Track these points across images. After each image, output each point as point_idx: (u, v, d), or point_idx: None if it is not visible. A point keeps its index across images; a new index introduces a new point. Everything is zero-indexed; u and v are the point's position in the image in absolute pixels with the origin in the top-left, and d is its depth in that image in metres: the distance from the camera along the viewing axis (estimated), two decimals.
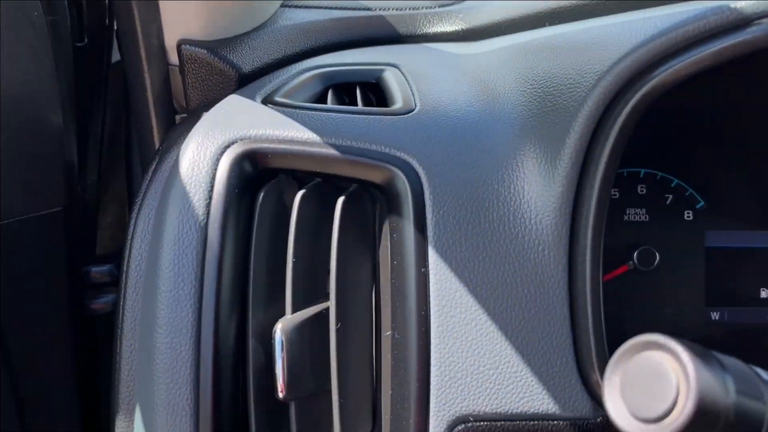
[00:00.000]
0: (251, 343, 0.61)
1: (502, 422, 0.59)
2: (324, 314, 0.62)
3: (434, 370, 0.60)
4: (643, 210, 0.87)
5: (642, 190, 0.87)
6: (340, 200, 0.64)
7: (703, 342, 0.47)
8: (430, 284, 0.61)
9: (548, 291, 0.61)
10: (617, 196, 0.87)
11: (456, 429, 0.59)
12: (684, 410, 0.41)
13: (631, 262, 0.85)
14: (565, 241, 0.62)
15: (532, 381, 0.60)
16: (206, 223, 0.61)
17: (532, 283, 0.61)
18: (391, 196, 0.64)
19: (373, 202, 0.67)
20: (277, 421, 0.63)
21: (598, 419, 0.60)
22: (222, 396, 0.60)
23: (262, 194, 0.64)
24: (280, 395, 0.59)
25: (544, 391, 0.60)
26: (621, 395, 0.45)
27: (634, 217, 0.87)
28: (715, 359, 0.44)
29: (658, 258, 0.85)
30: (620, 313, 0.85)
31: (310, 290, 0.64)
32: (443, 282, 0.61)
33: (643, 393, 0.43)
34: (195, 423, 0.59)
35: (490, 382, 0.60)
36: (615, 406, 0.45)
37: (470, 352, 0.60)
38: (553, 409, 0.60)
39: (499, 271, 0.62)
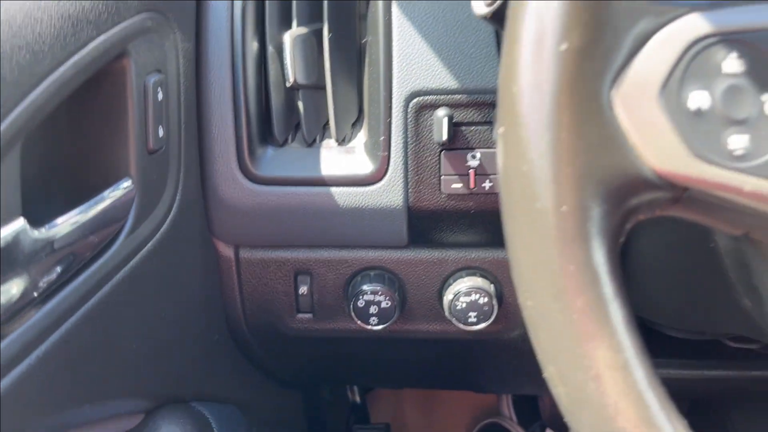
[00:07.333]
0: (269, 49, 0.85)
1: (446, 96, 0.80)
2: (321, 30, 0.85)
3: (396, 61, 0.81)
4: None
5: None
6: None
7: None
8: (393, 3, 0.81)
9: None
10: None
11: (412, 102, 0.81)
12: None
13: None
14: None
15: (474, 61, 0.80)
16: None
17: None
18: None
19: None
20: (290, 106, 0.87)
21: None
22: (248, 85, 0.84)
23: None
24: (290, 82, 0.83)
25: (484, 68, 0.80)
26: None
27: None
28: None
29: None
30: None
31: (312, 14, 0.86)
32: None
33: None
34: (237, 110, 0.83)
35: (438, 67, 0.81)
36: None
37: (427, 44, 0.80)
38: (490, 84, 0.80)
39: None
